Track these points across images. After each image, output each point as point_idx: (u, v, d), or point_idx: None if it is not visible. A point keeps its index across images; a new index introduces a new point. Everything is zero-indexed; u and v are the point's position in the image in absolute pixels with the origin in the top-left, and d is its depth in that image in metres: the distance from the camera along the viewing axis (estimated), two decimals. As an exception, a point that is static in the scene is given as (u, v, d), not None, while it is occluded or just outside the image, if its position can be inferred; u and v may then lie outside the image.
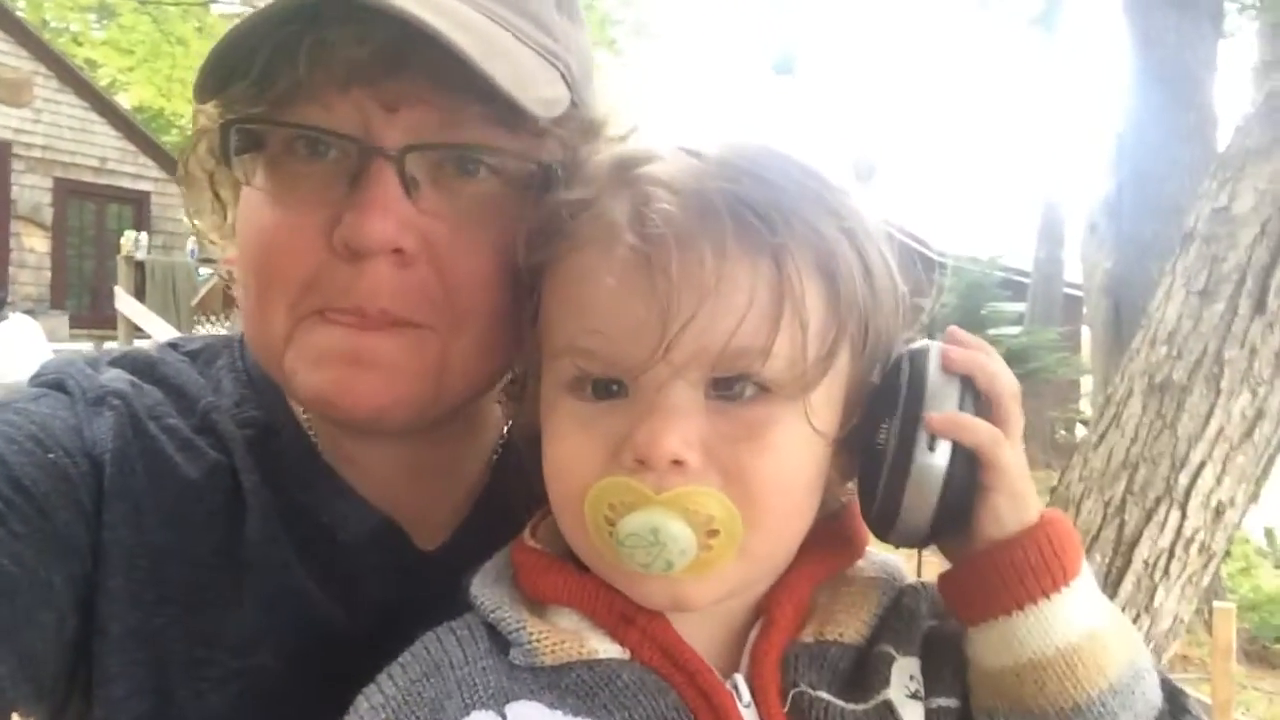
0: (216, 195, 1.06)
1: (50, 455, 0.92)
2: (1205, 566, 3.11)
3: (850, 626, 0.86)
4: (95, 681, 0.93)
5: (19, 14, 18.62)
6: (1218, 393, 2.99)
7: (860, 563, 0.93)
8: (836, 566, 0.92)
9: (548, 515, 0.91)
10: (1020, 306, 18.73)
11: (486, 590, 0.89)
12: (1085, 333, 13.62)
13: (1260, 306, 2.97)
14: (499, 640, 0.85)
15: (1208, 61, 8.74)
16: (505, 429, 1.17)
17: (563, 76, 0.97)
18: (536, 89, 0.90)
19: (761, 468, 0.79)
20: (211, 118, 0.98)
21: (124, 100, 21.71)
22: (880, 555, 0.95)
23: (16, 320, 10.61)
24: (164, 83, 21.68)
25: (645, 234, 0.80)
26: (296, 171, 0.92)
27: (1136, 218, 8.66)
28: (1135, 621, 3.06)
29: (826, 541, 0.91)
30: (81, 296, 18.84)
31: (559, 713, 0.80)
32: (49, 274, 18.19)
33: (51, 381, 1.02)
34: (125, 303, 12.66)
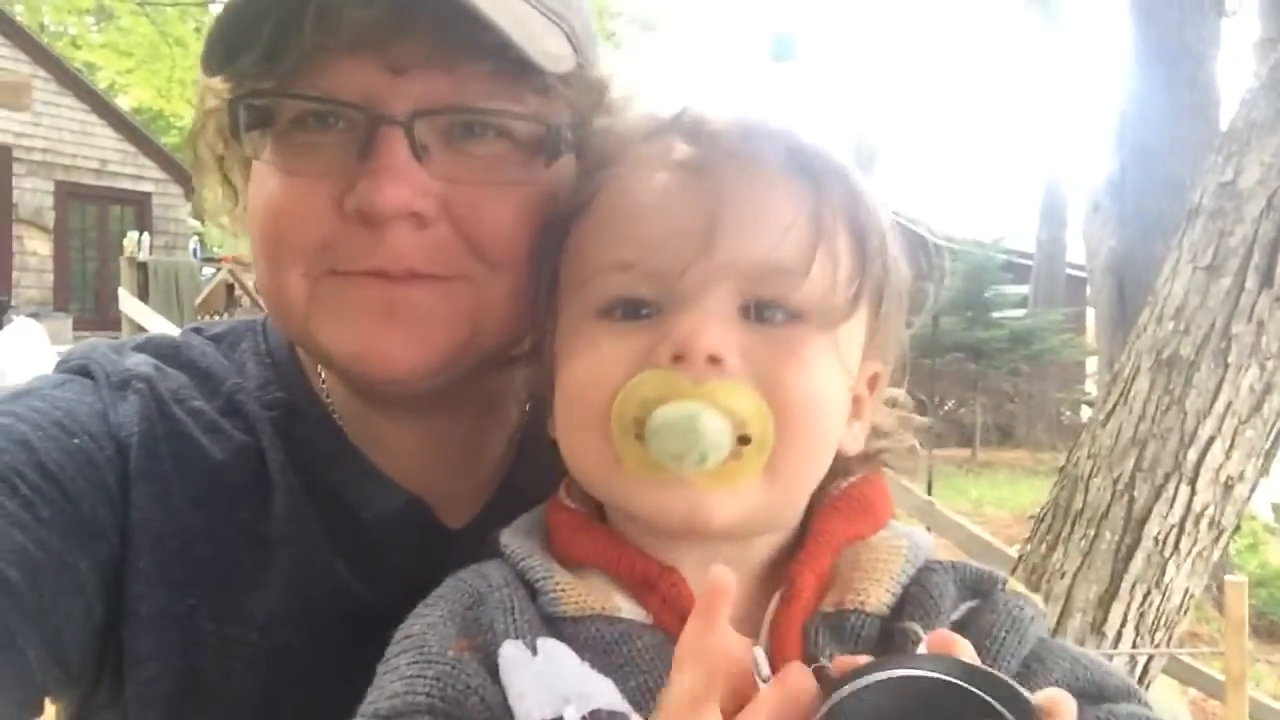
0: (227, 179, 1.06)
1: (75, 440, 0.93)
2: (1215, 542, 3.10)
3: (871, 594, 0.85)
4: (126, 663, 0.94)
5: (17, 18, 18.60)
6: (1225, 367, 2.99)
7: (884, 532, 0.93)
8: (856, 534, 0.91)
9: None
10: (1024, 289, 18.71)
11: (516, 541, 0.90)
12: (1089, 314, 13.61)
13: (1268, 280, 2.96)
14: (528, 588, 0.86)
15: (1210, 38, 8.71)
16: (527, 406, 1.17)
17: (567, 36, 0.97)
18: (544, 43, 0.91)
19: (798, 381, 0.81)
20: (219, 94, 0.98)
21: (123, 102, 21.70)
22: (907, 528, 0.95)
23: (20, 324, 10.64)
24: (163, 84, 21.65)
25: (697, 147, 0.84)
26: (306, 143, 0.93)
27: (1140, 196, 8.64)
28: (1145, 598, 3.06)
29: (846, 509, 0.91)
30: (85, 299, 18.85)
31: (586, 664, 0.80)
32: (51, 277, 18.20)
33: (76, 367, 1.03)
34: (129, 304, 12.66)
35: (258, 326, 1.15)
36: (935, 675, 0.65)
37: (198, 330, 1.15)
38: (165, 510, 0.95)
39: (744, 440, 0.78)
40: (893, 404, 1.00)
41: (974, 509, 10.48)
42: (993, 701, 0.63)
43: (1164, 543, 3.04)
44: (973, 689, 0.63)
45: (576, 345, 0.87)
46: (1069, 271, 17.98)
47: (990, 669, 0.67)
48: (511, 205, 0.94)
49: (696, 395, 0.78)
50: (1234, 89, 7.34)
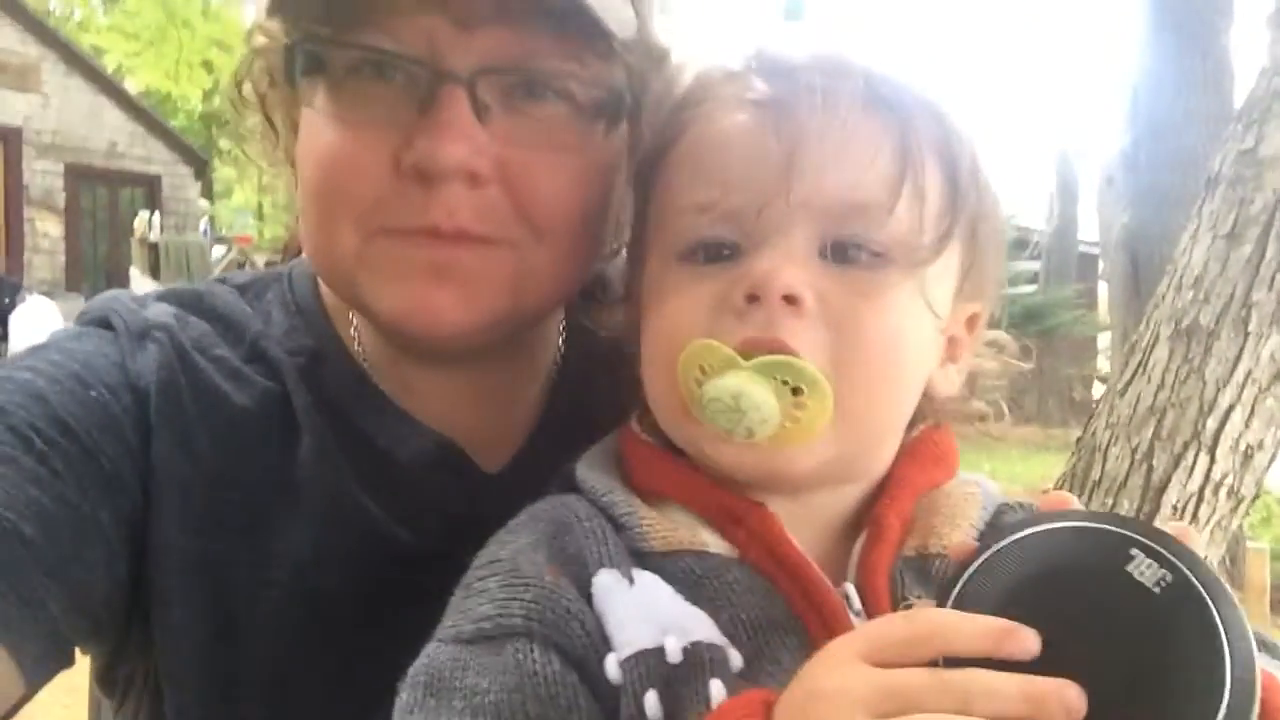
0: (269, 120, 1.05)
1: (92, 393, 0.92)
2: (1234, 511, 3.10)
3: (953, 538, 0.85)
4: (155, 610, 0.94)
5: (24, 1, 18.58)
6: (1245, 336, 2.97)
7: (955, 480, 0.93)
8: (933, 481, 0.91)
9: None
10: (1035, 265, 18.62)
11: (594, 475, 0.89)
12: (1101, 290, 13.53)
13: (1288, 248, 2.94)
14: (611, 522, 0.85)
15: (1222, 10, 8.61)
16: (560, 350, 1.17)
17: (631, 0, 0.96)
18: (612, 5, 0.90)
19: (877, 326, 0.79)
20: (273, 36, 0.97)
21: (131, 85, 21.68)
22: (971, 475, 0.95)
23: (34, 302, 10.67)
24: (171, 66, 21.66)
25: (776, 85, 0.82)
26: (363, 93, 0.92)
27: (1154, 170, 8.57)
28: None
29: (923, 456, 0.91)
30: (96, 280, 18.88)
31: (680, 596, 0.79)
32: (63, 258, 18.27)
33: (96, 318, 1.02)
34: (140, 284, 12.70)
35: (284, 275, 1.14)
36: (1073, 524, 0.64)
37: (222, 280, 1.14)
38: (189, 458, 0.95)
39: (801, 405, 0.77)
40: (997, 347, 0.99)
41: (987, 484, 10.44)
42: (1132, 534, 0.62)
43: (1182, 511, 3.03)
44: (1104, 525, 0.63)
45: (659, 290, 0.87)
46: (1081, 248, 17.88)
47: (1112, 511, 0.66)
48: (566, 172, 0.94)
49: (746, 368, 0.77)
50: (1247, 62, 7.29)
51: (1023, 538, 0.65)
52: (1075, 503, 0.75)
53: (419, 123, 0.89)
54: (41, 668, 0.84)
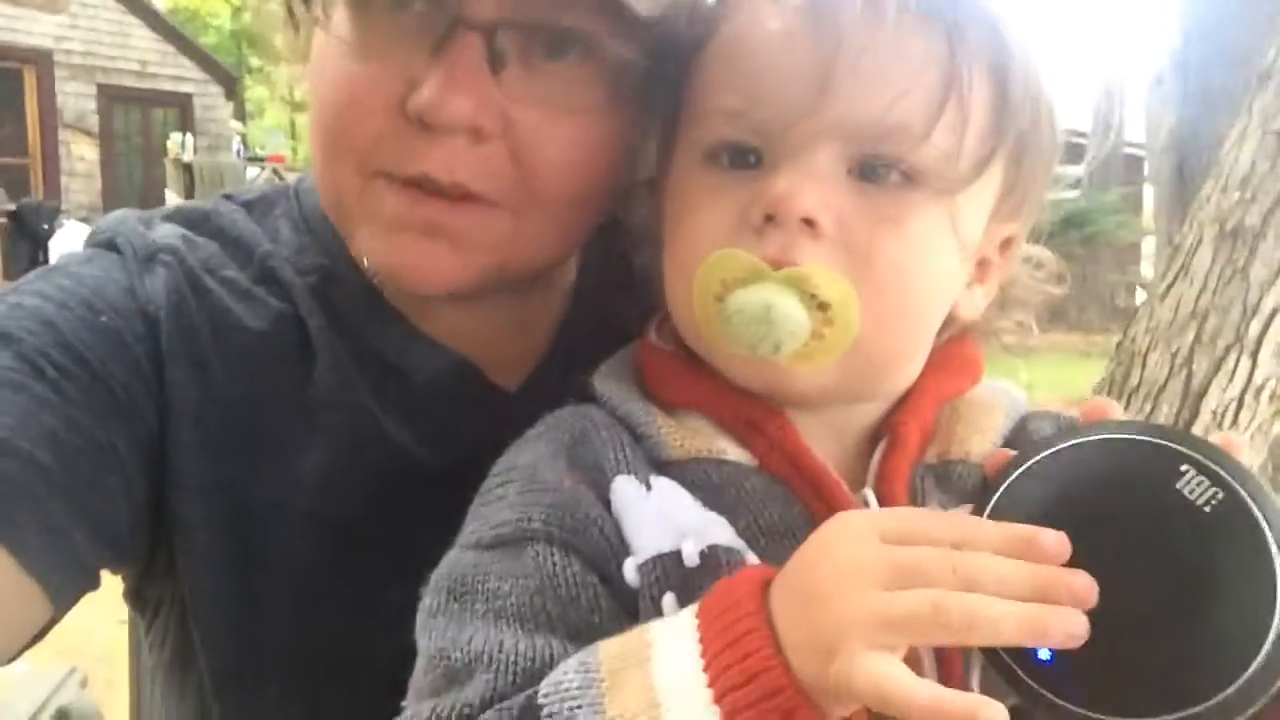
0: (290, 11, 1.01)
1: (103, 319, 0.91)
2: (1275, 415, 3.05)
3: (975, 445, 0.84)
4: (177, 534, 0.95)
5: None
6: (1293, 236, 2.89)
7: (979, 387, 0.91)
8: (956, 390, 0.89)
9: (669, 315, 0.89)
10: (1078, 169, 18.22)
11: (610, 385, 0.88)
12: (1146, 193, 13.21)
13: (1341, 143, 2.84)
14: (630, 432, 0.84)
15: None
16: (578, 268, 1.15)
17: None
18: None
19: (896, 253, 0.76)
20: None
21: (159, 2, 21.52)
22: (996, 382, 0.93)
23: (71, 227, 10.78)
24: (197, -19, 21.43)
25: None
26: (377, 20, 0.88)
27: (1204, 70, 8.28)
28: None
29: (947, 365, 0.89)
30: (131, 202, 18.91)
31: (698, 502, 0.79)
32: (99, 182, 18.36)
33: (104, 241, 1.01)
34: (177, 206, 12.76)
35: (291, 191, 1.12)
36: (1123, 436, 0.63)
37: (228, 197, 1.12)
38: (203, 382, 0.95)
39: (828, 323, 0.75)
40: (1036, 265, 0.96)
41: (1026, 393, 10.39)
42: (1183, 448, 0.61)
43: (1222, 416, 2.99)
44: (1155, 439, 0.62)
45: (683, 192, 0.84)
46: (1126, 151, 17.45)
47: (1157, 423, 0.65)
48: (576, 138, 0.90)
49: (775, 279, 0.74)
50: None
51: (1067, 447, 0.64)
52: (1116, 409, 0.73)
53: (430, 64, 0.85)
54: (69, 592, 0.85)
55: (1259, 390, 2.97)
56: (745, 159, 0.80)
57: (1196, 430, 3.00)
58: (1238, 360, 2.96)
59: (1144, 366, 3.11)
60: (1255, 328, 2.94)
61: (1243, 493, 0.59)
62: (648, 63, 0.89)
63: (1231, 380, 2.97)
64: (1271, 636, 0.57)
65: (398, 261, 0.92)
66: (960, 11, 0.77)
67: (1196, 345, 3.00)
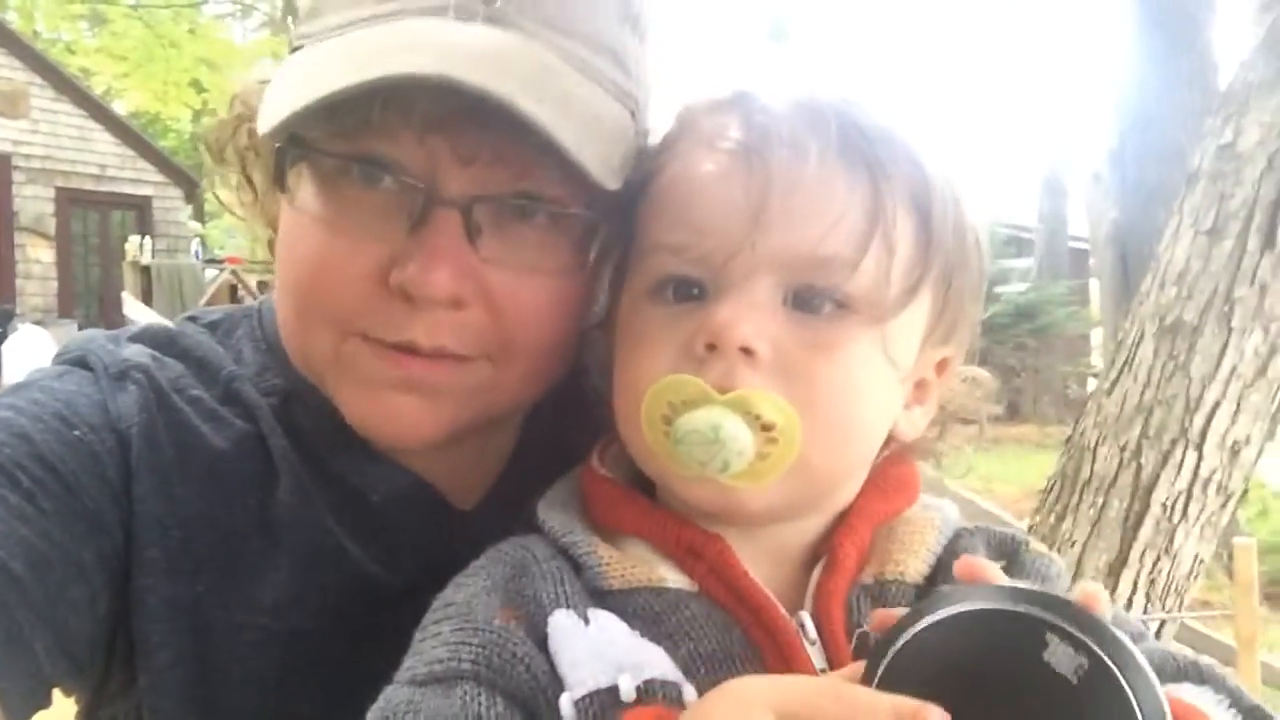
0: (248, 179, 1.05)
1: (76, 432, 0.92)
2: (1223, 506, 3.10)
3: (910, 565, 0.86)
4: (138, 652, 0.94)
5: (11, 26, 18.60)
6: (1229, 331, 2.97)
7: (915, 506, 0.94)
8: (893, 511, 0.92)
9: (615, 440, 0.92)
10: (1026, 262, 18.68)
11: (554, 515, 0.90)
12: (1093, 286, 13.56)
13: (1269, 242, 2.94)
14: (571, 562, 0.86)
15: (1206, 3, 8.65)
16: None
17: (632, 114, 0.97)
18: (609, 154, 0.90)
19: (831, 379, 0.80)
20: (257, 109, 0.93)
21: (120, 107, 21.73)
22: (935, 500, 0.96)
23: (26, 331, 10.67)
24: (159, 86, 21.69)
25: (750, 132, 0.82)
26: (351, 198, 0.92)
27: (1140, 165, 8.61)
28: (1155, 565, 3.06)
29: (885, 485, 0.92)
30: (89, 304, 18.87)
31: (636, 633, 0.80)
32: (55, 284, 18.22)
33: (74, 359, 1.02)
34: (133, 308, 12.69)
35: (253, 313, 1.14)
36: (990, 607, 0.64)
37: (192, 319, 1.14)
38: (169, 500, 0.95)
39: (772, 441, 0.78)
40: (973, 384, 0.99)
41: (985, 485, 10.47)
42: (1046, 616, 0.62)
43: (1172, 509, 3.03)
44: (1018, 608, 0.63)
45: (631, 325, 0.88)
46: (1072, 244, 17.93)
47: (1021, 584, 0.66)
48: (549, 296, 0.95)
49: (721, 401, 0.77)
50: (1230, 54, 7.32)
51: (948, 616, 0.65)
52: (991, 570, 0.75)
53: (408, 241, 0.89)
54: (25, 708, 0.84)
55: (1205, 483, 3.02)
56: (689, 291, 0.83)
57: (1148, 524, 3.04)
58: (1184, 453, 3.01)
59: (1094, 460, 3.16)
60: (1199, 421, 3.01)
61: (1106, 659, 0.61)
62: (607, 221, 0.93)
63: (1179, 473, 3.02)
64: None
65: (374, 416, 0.95)
66: (881, 149, 0.82)
67: (1144, 439, 3.06)
